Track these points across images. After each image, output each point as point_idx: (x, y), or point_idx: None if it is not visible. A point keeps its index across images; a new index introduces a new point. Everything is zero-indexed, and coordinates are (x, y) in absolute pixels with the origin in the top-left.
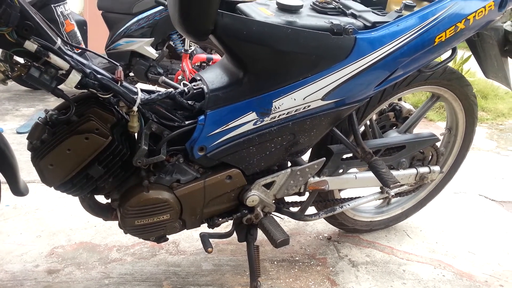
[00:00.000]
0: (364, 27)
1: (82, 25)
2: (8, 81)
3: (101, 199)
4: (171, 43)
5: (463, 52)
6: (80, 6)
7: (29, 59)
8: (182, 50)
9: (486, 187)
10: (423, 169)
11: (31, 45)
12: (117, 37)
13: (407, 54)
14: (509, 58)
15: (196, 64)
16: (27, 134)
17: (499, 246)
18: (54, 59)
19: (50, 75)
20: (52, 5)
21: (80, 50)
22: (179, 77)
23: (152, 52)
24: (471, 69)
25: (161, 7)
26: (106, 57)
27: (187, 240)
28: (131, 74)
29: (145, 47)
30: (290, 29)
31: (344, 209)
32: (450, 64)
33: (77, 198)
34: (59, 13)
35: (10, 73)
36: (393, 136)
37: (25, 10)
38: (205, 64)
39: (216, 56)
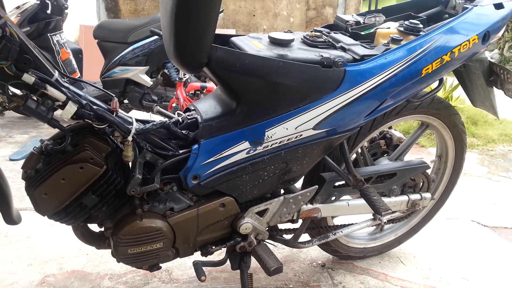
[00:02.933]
0: (353, 60)
1: (78, 53)
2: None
3: (93, 227)
4: (166, 71)
5: (453, 80)
6: (76, 35)
7: (26, 91)
8: (177, 78)
9: (479, 212)
10: (415, 196)
11: (29, 78)
12: (112, 65)
13: (395, 85)
14: (495, 88)
15: (190, 92)
16: (20, 162)
17: (492, 272)
18: (51, 91)
19: (46, 106)
20: (48, 34)
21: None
22: (173, 105)
23: (147, 80)
24: (461, 96)
25: (155, 37)
26: (100, 87)
27: (180, 268)
28: (126, 101)
29: (140, 75)
30: (282, 62)
31: (337, 236)
32: (440, 92)
33: (69, 226)
34: (55, 41)
35: (7, 104)
36: (384, 164)
37: (24, 44)
38: (199, 92)
39: (210, 85)
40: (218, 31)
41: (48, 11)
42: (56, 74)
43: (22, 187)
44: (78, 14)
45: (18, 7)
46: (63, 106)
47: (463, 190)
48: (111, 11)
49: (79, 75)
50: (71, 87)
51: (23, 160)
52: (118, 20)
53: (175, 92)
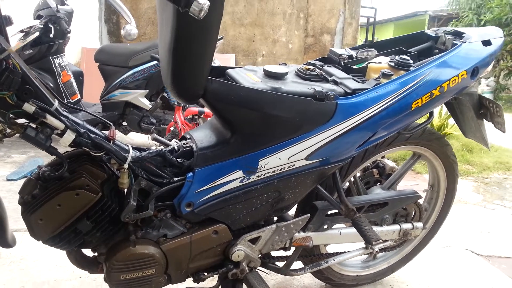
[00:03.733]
0: (344, 93)
1: (79, 75)
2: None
3: (87, 251)
4: (165, 94)
5: None
6: (78, 57)
7: (26, 119)
8: (175, 102)
9: (473, 241)
10: (406, 225)
11: (29, 107)
12: (113, 88)
13: (386, 118)
14: (485, 120)
15: (188, 116)
16: (17, 182)
17: None
18: (51, 120)
19: (45, 134)
20: (50, 57)
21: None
22: (172, 128)
23: (146, 103)
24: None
25: (155, 62)
26: (99, 110)
27: None
28: (125, 123)
29: (140, 98)
30: (276, 95)
31: (330, 264)
32: (436, 119)
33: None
34: (56, 64)
35: (7, 132)
36: (376, 193)
37: (26, 75)
38: (197, 117)
39: (208, 110)
40: (218, 56)
41: (51, 35)
42: (56, 103)
43: (18, 208)
44: (80, 36)
45: (22, 31)
46: (61, 134)
47: (458, 218)
48: (113, 35)
49: (79, 97)
50: (70, 116)
51: (20, 181)
52: (119, 45)
53: (173, 116)
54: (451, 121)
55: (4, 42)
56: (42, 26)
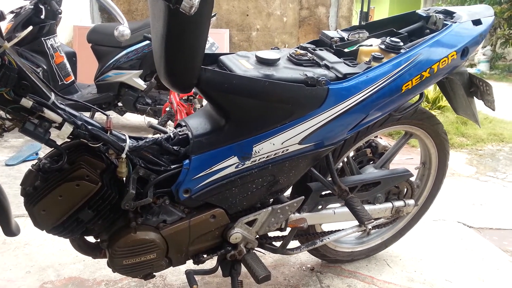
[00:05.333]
0: (336, 78)
1: (72, 56)
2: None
3: (89, 238)
4: None
5: None
6: (70, 35)
7: (24, 114)
8: None
9: (465, 213)
10: (398, 203)
11: (27, 102)
12: (107, 69)
13: (377, 101)
14: (475, 98)
15: (184, 97)
16: (16, 167)
17: (474, 274)
18: (48, 113)
19: (44, 128)
20: (42, 38)
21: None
22: (167, 109)
23: (141, 84)
24: None
25: (148, 41)
26: (95, 97)
27: (173, 273)
28: (120, 104)
29: (134, 78)
30: (268, 82)
31: (325, 242)
32: (431, 92)
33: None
34: (49, 45)
35: (6, 126)
36: (369, 173)
37: (22, 70)
38: (192, 98)
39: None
40: (212, 31)
41: (42, 16)
42: (53, 97)
43: (18, 193)
44: (71, 15)
45: (12, 12)
46: (59, 127)
47: (451, 191)
48: (105, 12)
49: (73, 78)
50: (67, 108)
51: (19, 166)
52: (112, 24)
53: (168, 96)
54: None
55: None
56: (32, 7)
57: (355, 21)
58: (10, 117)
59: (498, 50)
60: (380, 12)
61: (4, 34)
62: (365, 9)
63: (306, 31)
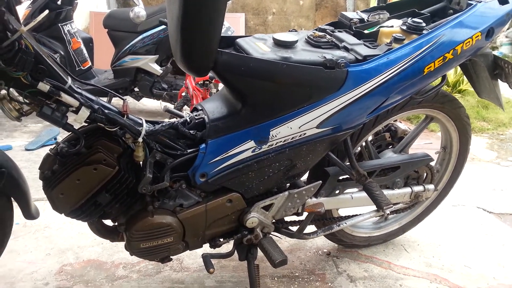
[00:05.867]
0: (355, 60)
1: (88, 42)
2: None
3: (107, 221)
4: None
5: None
6: (86, 21)
7: (41, 98)
8: None
9: (485, 199)
10: (418, 188)
11: (44, 86)
12: (123, 54)
13: (398, 84)
14: (499, 80)
15: (199, 82)
16: (35, 151)
17: (494, 260)
18: (65, 97)
19: (61, 112)
20: (59, 24)
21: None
22: (183, 94)
23: (157, 69)
24: None
25: (164, 26)
26: (104, 88)
27: (190, 257)
28: (136, 89)
29: (150, 64)
30: (286, 65)
31: (342, 227)
32: (451, 75)
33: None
34: (66, 31)
35: (24, 111)
36: (388, 157)
37: (38, 55)
38: (208, 82)
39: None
40: (227, 15)
41: (59, 2)
42: (69, 81)
43: (38, 177)
44: (87, 1)
45: None
46: (76, 111)
47: (471, 176)
48: None
49: (90, 63)
50: (84, 93)
51: (38, 150)
52: (127, 9)
53: (184, 81)
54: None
55: (15, 22)
56: None
57: (373, 3)
58: (27, 101)
59: None
60: None
61: (22, 21)
62: None
63: (323, 14)
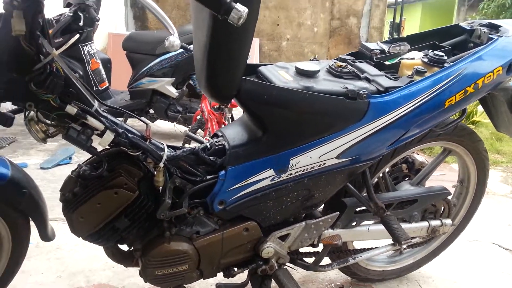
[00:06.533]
0: (377, 92)
1: (107, 63)
2: None
3: (123, 246)
4: (191, 82)
5: None
6: (104, 42)
7: (68, 120)
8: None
9: (500, 234)
10: (435, 222)
11: (71, 109)
12: (140, 76)
13: (418, 116)
14: None
15: (215, 106)
16: (51, 170)
17: None
18: (91, 121)
19: (86, 135)
20: (79, 45)
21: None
22: (198, 117)
23: (173, 91)
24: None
25: (182, 50)
26: (123, 110)
27: (201, 285)
28: (152, 111)
29: (166, 86)
30: (308, 94)
31: (358, 260)
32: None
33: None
34: (85, 52)
35: (50, 132)
36: (405, 190)
37: (68, 78)
38: (223, 106)
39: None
40: None
41: (80, 23)
42: (96, 104)
43: (52, 197)
44: (106, 22)
45: (53, 19)
46: (101, 134)
47: (486, 210)
48: (139, 19)
49: (107, 84)
50: (109, 116)
51: (53, 169)
52: (147, 32)
53: (199, 104)
54: (480, 108)
55: (48, 46)
56: (71, 14)
57: (386, 32)
58: (54, 123)
59: None
60: (412, 23)
61: None
62: (397, 20)
63: (336, 41)
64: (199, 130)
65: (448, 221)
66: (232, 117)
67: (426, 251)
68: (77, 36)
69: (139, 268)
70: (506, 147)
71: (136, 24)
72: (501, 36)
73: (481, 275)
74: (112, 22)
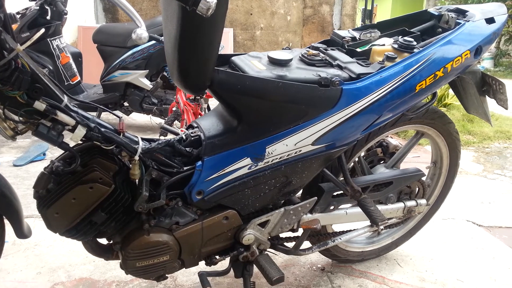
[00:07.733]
0: (349, 78)
1: (77, 56)
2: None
3: (102, 239)
4: (165, 74)
5: None
6: (74, 36)
7: (37, 117)
8: None
9: (474, 212)
10: (410, 203)
11: (40, 105)
12: (112, 69)
13: (390, 101)
14: (487, 96)
15: (190, 97)
16: (24, 167)
17: (486, 273)
18: (61, 116)
19: (57, 131)
20: (48, 39)
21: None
22: (174, 109)
23: (147, 83)
24: None
25: (154, 41)
26: (95, 104)
27: (184, 274)
28: (126, 104)
29: (140, 78)
30: (281, 83)
31: (337, 243)
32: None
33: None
34: (55, 46)
35: (19, 130)
36: (381, 172)
37: (35, 73)
38: (198, 97)
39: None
40: None
41: (48, 17)
42: (65, 99)
43: (27, 194)
44: (76, 15)
45: (17, 13)
46: (72, 129)
47: (459, 189)
48: (109, 12)
49: (79, 78)
50: (80, 111)
51: (27, 166)
52: (117, 25)
53: (175, 96)
54: (451, 91)
55: (11, 42)
56: (38, 8)
57: (359, 19)
58: (23, 120)
59: (502, 47)
60: (383, 10)
61: None
62: (368, 7)
63: (310, 29)
64: (176, 122)
65: (423, 201)
66: (208, 108)
67: (403, 231)
68: (43, 30)
69: (120, 261)
70: (477, 128)
71: (107, 16)
72: (468, 21)
73: (457, 252)
74: (82, 15)
